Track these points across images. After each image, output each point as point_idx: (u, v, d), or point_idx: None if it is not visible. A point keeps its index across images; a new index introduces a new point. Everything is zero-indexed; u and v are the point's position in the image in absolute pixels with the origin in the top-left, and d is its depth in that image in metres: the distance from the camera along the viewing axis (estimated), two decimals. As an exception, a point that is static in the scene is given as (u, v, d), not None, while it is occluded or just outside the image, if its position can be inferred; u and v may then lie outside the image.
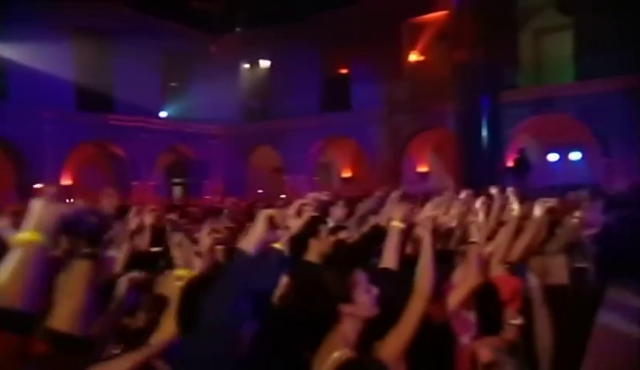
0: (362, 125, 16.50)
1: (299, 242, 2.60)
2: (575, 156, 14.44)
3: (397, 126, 16.10)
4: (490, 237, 3.53)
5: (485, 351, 2.71)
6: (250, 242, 1.77)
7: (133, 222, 3.49)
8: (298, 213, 2.02)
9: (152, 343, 1.77)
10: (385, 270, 2.38)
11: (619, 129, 12.63)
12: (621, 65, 11.98)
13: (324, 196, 4.27)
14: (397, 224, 2.47)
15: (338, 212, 4.79)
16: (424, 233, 2.27)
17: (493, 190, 5.27)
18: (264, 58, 19.14)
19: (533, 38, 14.57)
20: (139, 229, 3.52)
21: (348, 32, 15.82)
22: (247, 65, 19.78)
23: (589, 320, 5.10)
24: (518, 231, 3.54)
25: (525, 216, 3.87)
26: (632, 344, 4.56)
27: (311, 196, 3.69)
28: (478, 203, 3.56)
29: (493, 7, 11.26)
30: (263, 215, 1.81)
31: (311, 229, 2.77)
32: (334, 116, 17.10)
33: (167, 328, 1.77)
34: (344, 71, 18.09)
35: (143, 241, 3.51)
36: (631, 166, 12.46)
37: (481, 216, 3.59)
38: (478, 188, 8.32)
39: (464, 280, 2.60)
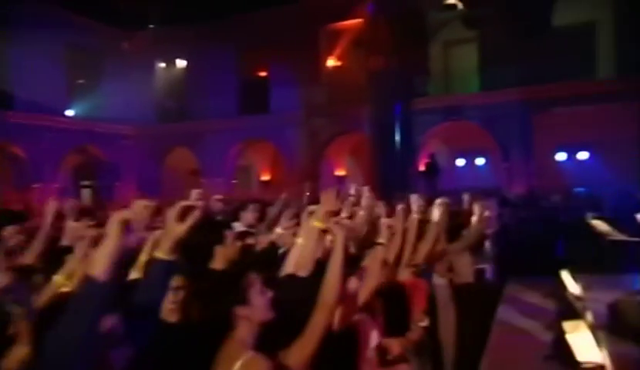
0: (280, 128, 16.54)
1: (194, 249, 2.46)
2: (480, 161, 15.40)
3: (315, 130, 16.30)
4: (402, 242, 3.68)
5: (394, 345, 2.83)
6: (100, 259, 1.47)
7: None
8: (182, 216, 1.83)
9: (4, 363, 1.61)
10: (292, 276, 2.38)
11: (518, 137, 13.65)
12: (520, 77, 12.98)
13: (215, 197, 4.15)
14: (317, 224, 2.40)
15: (248, 216, 4.76)
16: (337, 234, 2.15)
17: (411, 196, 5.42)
18: (181, 57, 18.60)
19: (442, 50, 15.39)
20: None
21: (267, 35, 15.81)
22: (162, 64, 19.12)
23: (490, 316, 5.46)
24: (421, 234, 3.69)
25: (428, 219, 4.06)
26: (529, 338, 4.93)
27: (194, 194, 3.60)
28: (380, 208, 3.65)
29: (405, 18, 11.77)
30: (115, 219, 1.53)
31: (209, 235, 2.67)
32: (252, 118, 16.99)
33: (20, 349, 1.62)
34: (263, 73, 18.03)
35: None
36: (528, 171, 13.52)
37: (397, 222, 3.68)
38: (392, 191, 8.67)
39: (365, 282, 2.62)
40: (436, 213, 4.27)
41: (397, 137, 12.01)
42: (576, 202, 10.64)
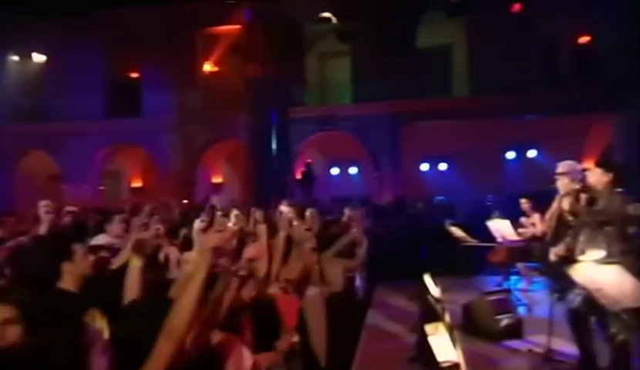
0: (153, 132, 15.73)
1: (36, 268, 2.20)
2: (353, 170, 16.06)
3: (191, 135, 15.79)
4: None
5: (262, 361, 2.78)
6: None
7: None
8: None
9: None
10: (133, 302, 2.22)
11: (387, 148, 14.49)
12: (389, 91, 13.83)
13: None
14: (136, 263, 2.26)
15: (115, 228, 4.42)
16: (202, 258, 1.83)
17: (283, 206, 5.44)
18: (39, 51, 16.87)
19: (318, 61, 15.86)
20: None
21: (138, 34, 14.94)
22: (15, 58, 17.19)
23: (360, 322, 5.66)
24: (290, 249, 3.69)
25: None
26: (395, 341, 5.20)
27: (42, 206, 3.27)
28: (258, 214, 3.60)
29: (281, 28, 11.91)
30: None
31: (54, 251, 2.37)
32: (122, 121, 15.95)
33: None
34: (134, 74, 17.04)
35: None
36: (396, 180, 14.40)
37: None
38: (268, 199, 8.65)
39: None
40: (308, 221, 4.34)
41: (274, 145, 12.07)
42: (437, 210, 11.52)
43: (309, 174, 14.65)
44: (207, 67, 16.23)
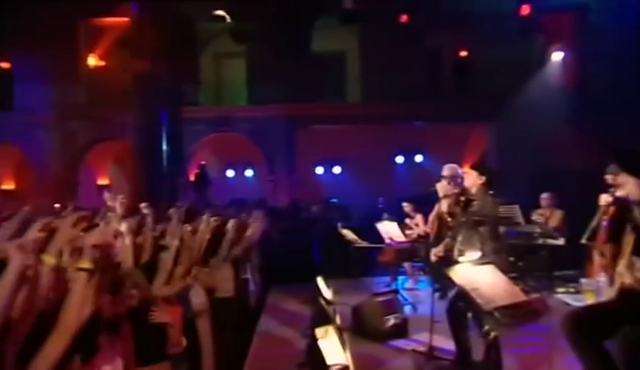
0: (27, 129, 14.31)
1: None
2: (249, 172, 15.88)
3: (72, 134, 14.62)
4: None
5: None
6: None
7: None
8: None
9: None
10: None
11: (283, 151, 14.52)
12: (285, 94, 13.86)
13: None
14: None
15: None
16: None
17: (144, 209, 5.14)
18: None
19: (213, 61, 15.47)
20: None
21: (8, 21, 13.49)
22: None
23: (251, 327, 5.57)
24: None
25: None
26: (287, 347, 5.17)
27: None
28: (124, 226, 3.34)
29: (173, 24, 11.43)
30: None
31: None
32: (-10, 116, 14.35)
33: None
34: (4, 65, 15.38)
35: None
36: (291, 183, 14.47)
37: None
38: (159, 202, 8.23)
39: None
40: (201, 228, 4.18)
41: (164, 146, 11.53)
42: (331, 212, 11.75)
43: (203, 176, 14.24)
44: (92, 61, 15.11)
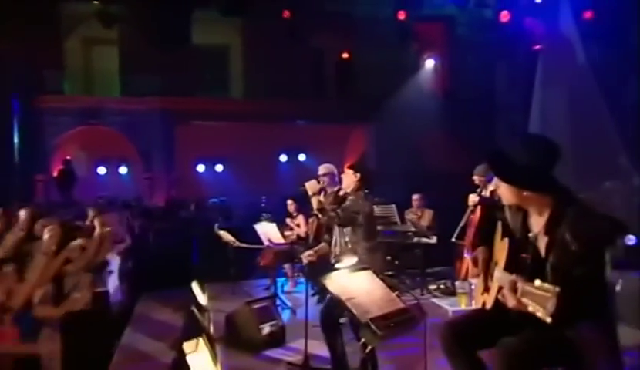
0: None
1: None
2: (123, 170, 14.73)
3: None
4: None
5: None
6: None
7: None
8: None
9: None
10: None
11: (160, 147, 13.65)
12: (162, 86, 13.02)
13: None
14: None
15: None
16: None
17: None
18: None
19: (82, 47, 14.10)
20: None
21: None
22: None
23: (112, 342, 5.01)
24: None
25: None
26: (151, 362, 4.68)
27: None
28: None
29: (32, 2, 10.14)
30: None
31: None
32: None
33: None
34: None
35: None
36: (170, 181, 13.67)
37: None
38: (12, 200, 7.20)
39: None
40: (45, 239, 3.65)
41: (16, 138, 10.18)
42: (211, 212, 11.25)
43: (68, 173, 12.92)
44: None
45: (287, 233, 6.91)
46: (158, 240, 9.26)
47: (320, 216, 4.30)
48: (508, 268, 2.19)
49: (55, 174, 13.01)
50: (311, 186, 4.42)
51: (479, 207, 4.78)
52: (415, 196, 7.87)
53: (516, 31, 11.05)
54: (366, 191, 4.12)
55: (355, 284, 3.12)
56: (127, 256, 6.77)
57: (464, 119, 12.40)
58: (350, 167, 4.20)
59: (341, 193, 4.27)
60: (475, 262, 2.56)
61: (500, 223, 2.45)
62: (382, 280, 3.25)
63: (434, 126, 12.30)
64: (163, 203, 12.06)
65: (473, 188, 5.28)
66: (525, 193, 2.17)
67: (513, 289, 1.93)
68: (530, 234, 2.23)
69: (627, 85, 10.13)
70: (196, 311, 4.73)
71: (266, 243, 6.46)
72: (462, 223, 5.24)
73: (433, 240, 6.99)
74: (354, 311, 2.86)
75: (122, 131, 13.39)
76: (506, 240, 2.33)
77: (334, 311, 3.68)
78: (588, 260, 2.00)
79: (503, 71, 12.89)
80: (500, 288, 2.18)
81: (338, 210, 4.02)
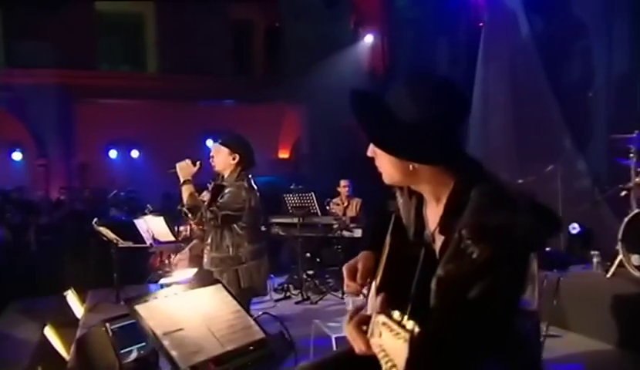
0: None
1: None
2: (17, 156, 12.71)
3: None
4: None
5: None
6: None
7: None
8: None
9: None
10: None
11: (57, 128, 11.72)
12: (55, 56, 11.07)
13: None
14: None
15: None
16: None
17: None
18: None
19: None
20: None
21: None
22: None
23: None
24: None
25: None
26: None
27: None
28: None
29: None
30: None
31: None
32: None
33: None
34: None
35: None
36: (71, 169, 11.83)
37: None
38: None
39: None
40: None
41: None
42: (119, 205, 9.67)
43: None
44: None
45: (181, 228, 5.51)
46: (39, 239, 7.80)
47: (189, 215, 3.20)
48: (382, 287, 1.29)
49: None
50: (182, 168, 3.16)
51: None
52: (343, 182, 6.67)
53: (458, 5, 10.28)
54: (250, 176, 3.12)
55: (187, 308, 1.90)
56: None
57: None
58: (224, 144, 2.97)
59: (217, 180, 3.24)
60: (351, 273, 1.49)
61: (393, 217, 1.49)
62: (235, 298, 2.07)
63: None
64: (57, 193, 10.34)
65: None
66: (412, 167, 1.27)
67: (360, 324, 1.15)
68: (426, 232, 1.38)
69: (570, 60, 9.59)
70: (49, 330, 3.43)
71: (148, 241, 5.06)
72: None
73: (357, 233, 5.77)
74: (172, 353, 1.65)
75: (9, 109, 11.33)
76: (387, 241, 1.40)
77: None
78: (494, 275, 1.12)
79: (445, 47, 12.07)
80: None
81: (215, 208, 2.99)
